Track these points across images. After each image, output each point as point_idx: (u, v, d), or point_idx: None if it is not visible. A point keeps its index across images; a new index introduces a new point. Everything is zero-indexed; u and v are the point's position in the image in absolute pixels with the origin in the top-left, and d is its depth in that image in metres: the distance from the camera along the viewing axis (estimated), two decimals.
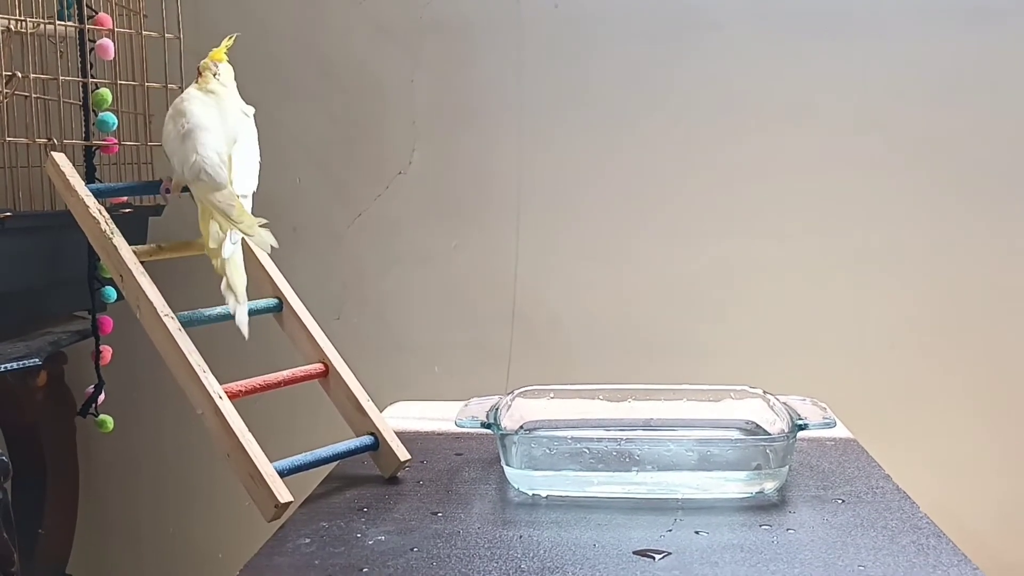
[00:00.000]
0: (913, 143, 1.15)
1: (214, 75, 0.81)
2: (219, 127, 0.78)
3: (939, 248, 1.16)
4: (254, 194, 0.82)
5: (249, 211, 0.77)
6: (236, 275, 0.75)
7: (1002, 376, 1.16)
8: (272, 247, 0.77)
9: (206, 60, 0.82)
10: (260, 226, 0.75)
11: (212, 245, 0.75)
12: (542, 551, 0.63)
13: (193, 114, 0.78)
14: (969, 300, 1.16)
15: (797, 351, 1.17)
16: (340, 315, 1.22)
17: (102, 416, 0.95)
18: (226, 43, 0.82)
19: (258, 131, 0.84)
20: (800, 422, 0.74)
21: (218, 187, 0.75)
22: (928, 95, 1.14)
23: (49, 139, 0.89)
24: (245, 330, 0.75)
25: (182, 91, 0.95)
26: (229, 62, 0.82)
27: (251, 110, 0.82)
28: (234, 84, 0.82)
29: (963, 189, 1.15)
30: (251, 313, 0.80)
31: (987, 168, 1.15)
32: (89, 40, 0.90)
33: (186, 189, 0.78)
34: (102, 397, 0.96)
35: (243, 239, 0.77)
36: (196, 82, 0.81)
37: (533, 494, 0.73)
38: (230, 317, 0.78)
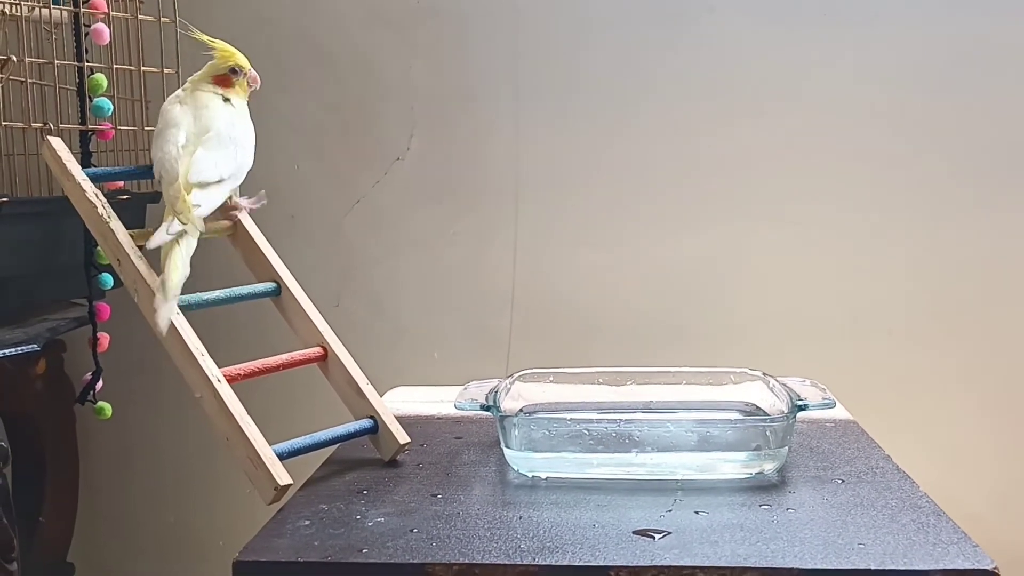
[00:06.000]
0: (911, 128, 1.15)
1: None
2: (190, 123, 0.79)
3: (937, 233, 1.16)
4: (252, 177, 0.82)
5: (221, 197, 0.78)
6: (173, 271, 0.72)
7: (999, 361, 1.16)
8: (199, 233, 0.75)
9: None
10: (218, 220, 0.77)
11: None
12: (542, 531, 0.63)
13: (167, 113, 0.80)
14: (967, 285, 1.16)
15: (796, 336, 1.17)
16: (339, 302, 1.22)
17: (100, 403, 0.95)
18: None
19: (254, 119, 0.83)
20: (800, 403, 0.74)
21: (171, 180, 0.76)
22: (927, 79, 1.14)
23: (45, 124, 0.89)
24: (163, 328, 0.71)
25: (178, 76, 0.95)
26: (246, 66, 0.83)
27: (239, 100, 0.82)
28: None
29: (961, 174, 1.15)
30: (250, 297, 0.80)
31: (986, 154, 1.15)
32: (84, 25, 0.90)
33: None
34: (100, 384, 0.96)
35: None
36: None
37: (533, 476, 0.73)
38: (228, 301, 0.78)
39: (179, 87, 0.92)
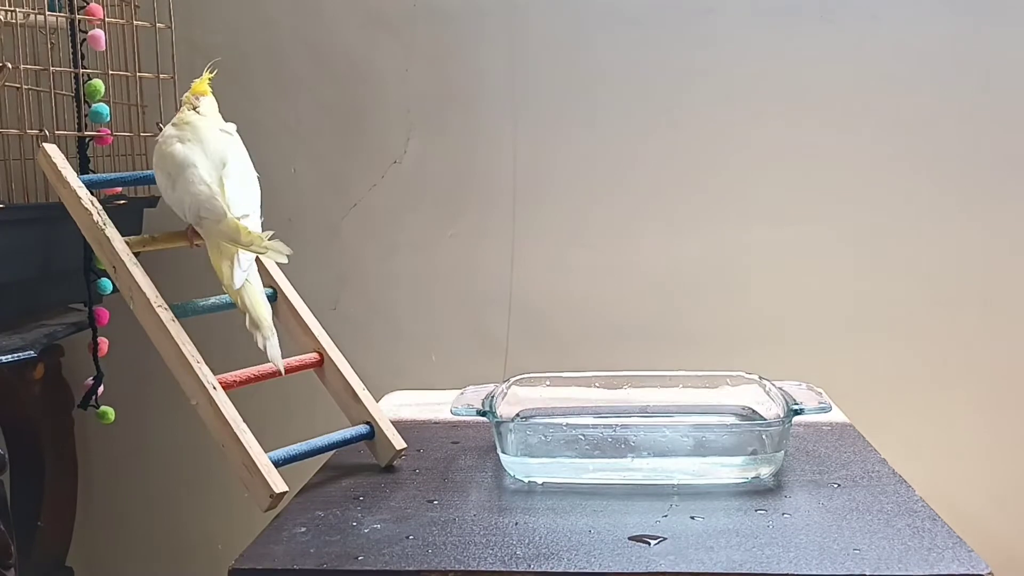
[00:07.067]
0: (910, 128, 1.15)
1: (194, 108, 0.79)
2: (203, 157, 0.76)
3: (934, 234, 1.16)
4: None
5: (257, 228, 0.76)
6: (257, 307, 0.72)
7: (996, 363, 1.16)
8: (288, 256, 0.73)
9: (187, 94, 0.80)
10: (270, 239, 0.72)
11: (227, 282, 0.72)
12: (538, 538, 0.63)
13: (175, 155, 0.76)
14: (965, 287, 1.16)
15: (793, 339, 1.17)
16: (336, 305, 1.22)
17: (103, 408, 0.95)
18: (207, 75, 0.81)
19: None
20: (796, 407, 0.74)
21: (218, 218, 0.73)
22: (926, 79, 1.14)
23: (41, 130, 0.89)
24: (280, 364, 0.73)
25: (174, 81, 0.95)
26: (213, 93, 0.81)
27: (232, 127, 0.80)
28: (214, 113, 0.80)
29: (960, 175, 1.15)
30: None
31: (984, 154, 1.14)
32: (80, 31, 0.90)
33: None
34: (101, 389, 0.96)
35: (256, 264, 0.75)
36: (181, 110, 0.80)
37: (529, 481, 0.73)
38: (223, 308, 0.78)
39: (175, 92, 0.92)
